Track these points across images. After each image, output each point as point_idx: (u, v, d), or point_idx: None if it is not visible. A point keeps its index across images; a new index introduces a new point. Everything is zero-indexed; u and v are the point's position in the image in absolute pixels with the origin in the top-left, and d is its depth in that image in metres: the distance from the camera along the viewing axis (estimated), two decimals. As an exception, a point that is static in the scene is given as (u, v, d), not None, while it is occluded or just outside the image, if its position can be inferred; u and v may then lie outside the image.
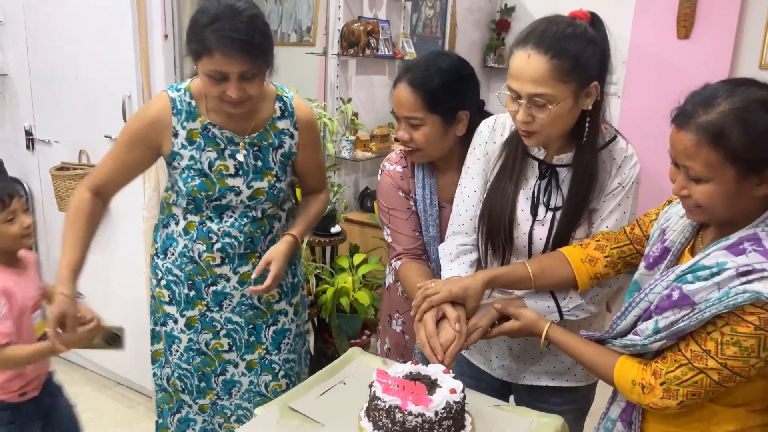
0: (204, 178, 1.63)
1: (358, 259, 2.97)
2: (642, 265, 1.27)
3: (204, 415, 1.84)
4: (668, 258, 1.20)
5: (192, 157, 1.63)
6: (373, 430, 1.14)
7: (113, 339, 1.67)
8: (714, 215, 1.08)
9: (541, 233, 1.40)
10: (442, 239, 1.60)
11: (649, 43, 4.26)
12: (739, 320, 1.01)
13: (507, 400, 1.54)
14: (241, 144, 1.65)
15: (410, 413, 1.10)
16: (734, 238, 1.07)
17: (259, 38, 1.47)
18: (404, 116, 1.55)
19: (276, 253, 1.65)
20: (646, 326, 1.14)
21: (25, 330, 1.70)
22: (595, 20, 1.29)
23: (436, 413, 1.10)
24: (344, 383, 1.32)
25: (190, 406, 1.83)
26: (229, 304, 1.75)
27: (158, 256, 1.76)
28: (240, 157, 1.65)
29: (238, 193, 1.66)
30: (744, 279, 1.01)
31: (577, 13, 1.29)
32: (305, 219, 1.79)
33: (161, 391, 1.86)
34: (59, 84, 2.75)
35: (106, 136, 2.61)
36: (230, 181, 1.65)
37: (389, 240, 1.68)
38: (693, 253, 1.17)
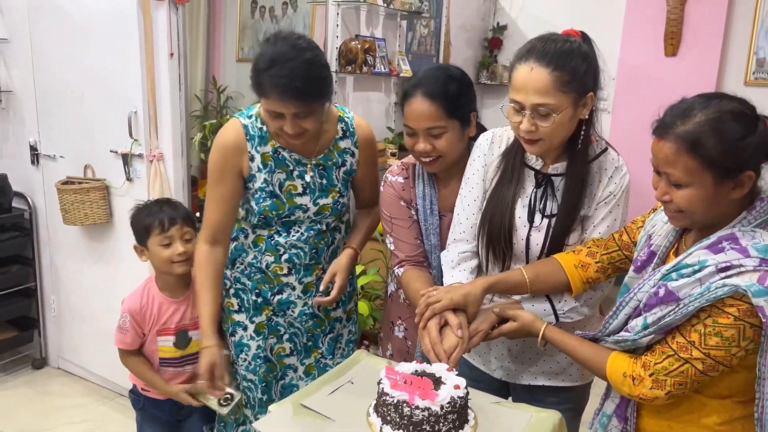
0: (275, 199, 1.71)
1: (357, 270, 3.03)
2: (631, 269, 1.35)
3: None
4: (654, 261, 1.28)
5: (265, 180, 1.71)
6: (382, 424, 1.20)
7: (225, 400, 1.73)
8: (695, 219, 1.17)
9: (537, 239, 1.48)
10: (443, 247, 1.67)
11: (637, 61, 4.39)
12: (720, 312, 1.10)
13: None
14: (309, 165, 1.74)
15: (417, 407, 1.16)
16: (714, 238, 1.16)
17: (313, 83, 1.54)
18: (425, 128, 1.60)
19: (340, 266, 1.75)
20: (636, 323, 1.22)
21: (148, 343, 1.86)
22: (585, 38, 1.41)
23: (442, 407, 1.16)
24: (352, 382, 1.38)
25: (251, 422, 1.90)
26: (292, 314, 1.84)
27: (227, 267, 1.84)
28: (307, 177, 1.74)
29: (306, 210, 1.75)
30: (723, 274, 1.10)
31: (570, 31, 1.40)
32: (362, 230, 1.89)
33: None
34: (65, 100, 2.82)
35: (111, 151, 2.68)
36: (298, 200, 1.74)
37: (392, 248, 1.75)
38: (677, 255, 1.25)
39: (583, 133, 1.42)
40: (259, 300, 1.82)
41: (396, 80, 3.87)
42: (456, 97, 1.60)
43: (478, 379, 1.61)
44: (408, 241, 1.71)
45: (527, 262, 1.49)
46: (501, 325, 1.42)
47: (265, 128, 1.69)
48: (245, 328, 1.83)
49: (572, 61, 1.32)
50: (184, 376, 1.86)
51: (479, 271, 1.58)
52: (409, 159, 1.79)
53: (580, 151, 1.43)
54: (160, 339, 1.81)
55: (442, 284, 1.58)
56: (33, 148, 2.99)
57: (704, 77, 4.11)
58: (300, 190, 1.74)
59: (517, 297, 1.49)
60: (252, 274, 1.80)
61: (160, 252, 1.79)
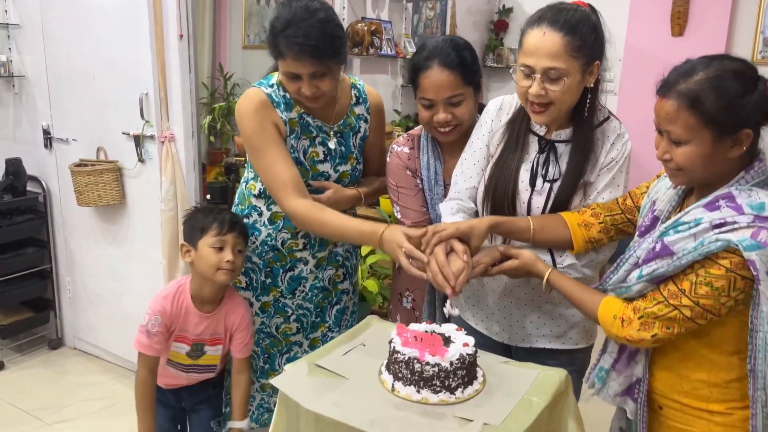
0: (299, 166, 1.73)
1: (365, 250, 3.07)
2: (636, 234, 1.39)
3: (263, 393, 1.96)
4: (658, 226, 1.31)
5: (292, 146, 1.72)
6: (394, 381, 1.24)
7: None
8: (693, 177, 1.21)
9: (538, 202, 1.52)
10: None
11: (644, 41, 4.38)
12: (713, 264, 1.14)
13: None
14: (331, 132, 1.77)
15: (428, 363, 1.20)
16: (711, 197, 1.20)
17: (328, 41, 1.57)
18: (445, 97, 1.64)
19: (337, 185, 1.77)
20: (633, 275, 1.27)
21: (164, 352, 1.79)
22: (592, 9, 1.44)
23: (451, 363, 1.21)
24: (364, 345, 1.43)
25: (252, 383, 1.94)
26: (302, 290, 1.87)
27: None
28: (331, 144, 1.77)
29: (327, 178, 1.78)
30: (717, 230, 1.14)
31: (578, 1, 1.44)
32: (371, 185, 1.90)
33: (227, 371, 1.95)
34: (76, 84, 2.86)
35: (123, 133, 2.72)
36: (320, 167, 1.77)
37: (398, 216, 1.79)
38: None
39: (588, 101, 1.45)
40: (268, 281, 1.85)
41: (402, 63, 3.90)
42: (471, 63, 1.65)
43: (480, 344, 1.64)
44: (414, 208, 1.75)
45: None
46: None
47: (288, 95, 1.71)
48: (251, 305, 1.87)
49: (583, 28, 1.36)
50: (185, 381, 1.84)
51: None
52: (415, 131, 1.83)
53: (586, 118, 1.47)
54: (175, 345, 1.76)
55: None
56: (46, 132, 3.04)
57: None
58: (322, 157, 1.76)
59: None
60: (264, 253, 1.83)
61: (209, 255, 1.68)
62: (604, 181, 1.49)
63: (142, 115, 2.63)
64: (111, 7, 2.63)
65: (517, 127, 1.54)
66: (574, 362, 1.61)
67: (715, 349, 1.23)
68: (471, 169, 1.61)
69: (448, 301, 1.39)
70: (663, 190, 1.35)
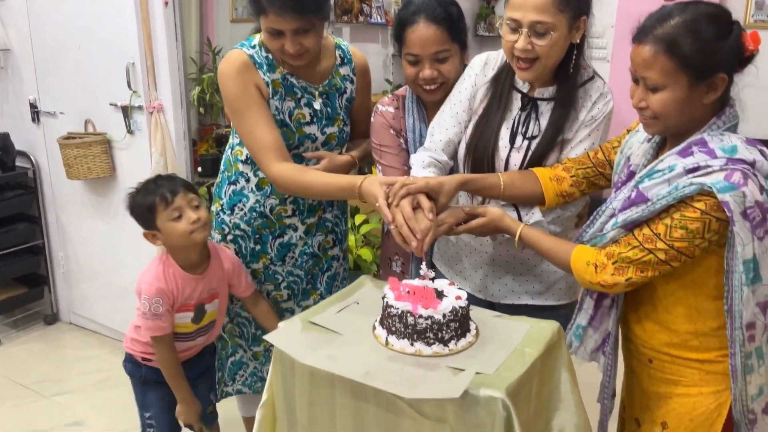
0: (285, 128, 1.71)
1: (359, 219, 3.07)
2: (612, 190, 1.39)
3: (256, 362, 1.96)
4: (634, 179, 1.32)
5: (276, 108, 1.69)
6: (388, 335, 1.25)
7: None
8: (668, 124, 1.21)
9: (516, 159, 1.53)
10: None
11: (636, 8, 4.23)
12: (687, 207, 1.15)
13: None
14: (316, 93, 1.75)
15: (420, 316, 1.21)
16: (684, 144, 1.21)
17: None
18: (431, 53, 1.62)
19: (330, 154, 1.76)
20: (608, 225, 1.28)
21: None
22: None
23: (444, 315, 1.21)
24: (358, 303, 1.43)
25: (245, 351, 1.95)
26: (292, 257, 1.86)
27: (224, 212, 1.84)
28: (316, 105, 1.74)
29: (314, 140, 1.76)
30: (691, 175, 1.15)
31: None
32: (361, 147, 1.88)
33: (218, 339, 1.96)
34: (62, 56, 2.82)
35: (111, 104, 2.68)
36: (307, 129, 1.74)
37: (380, 176, 1.77)
38: None
39: (574, 58, 1.44)
40: (258, 248, 1.83)
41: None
42: (458, 19, 1.63)
43: None
44: (396, 167, 1.74)
45: None
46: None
47: (270, 56, 1.69)
48: None
49: None
50: (194, 348, 1.82)
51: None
52: (400, 91, 1.82)
53: (571, 76, 1.46)
54: (179, 315, 1.72)
55: None
56: (33, 106, 3.00)
57: None
58: (308, 119, 1.74)
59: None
60: (252, 220, 1.81)
61: (173, 228, 1.63)
62: (579, 138, 1.50)
63: (129, 86, 2.59)
64: (94, -25, 2.58)
65: (501, 84, 1.53)
66: (557, 319, 1.61)
67: (700, 293, 1.24)
68: (449, 121, 1.60)
69: (423, 264, 1.37)
70: (636, 145, 1.36)
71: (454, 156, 1.62)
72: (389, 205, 1.39)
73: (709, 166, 1.14)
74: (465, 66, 1.68)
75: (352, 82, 1.83)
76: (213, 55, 4.13)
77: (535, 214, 1.52)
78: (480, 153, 1.53)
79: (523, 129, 1.51)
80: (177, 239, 1.65)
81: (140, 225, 1.70)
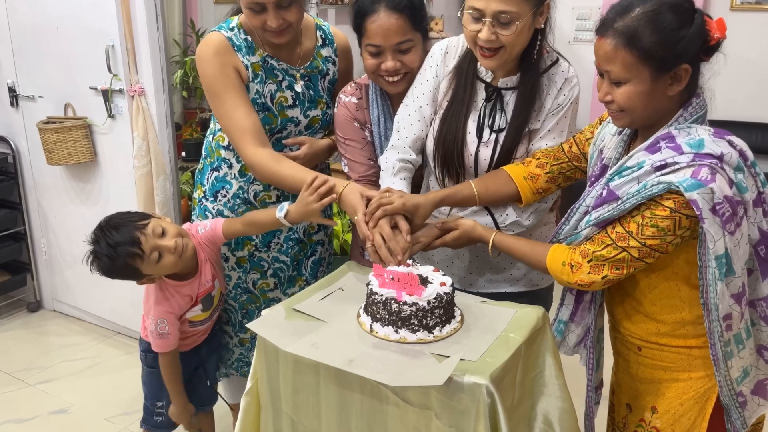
0: (267, 112, 1.68)
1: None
2: (588, 184, 1.38)
3: (242, 348, 1.94)
4: (607, 174, 1.31)
5: (257, 92, 1.66)
6: (372, 322, 1.24)
7: None
8: (634, 116, 1.20)
9: (485, 154, 1.50)
10: None
11: (623, -11, 4.32)
12: (657, 205, 1.15)
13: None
14: (297, 75, 1.71)
15: (405, 303, 1.20)
16: (652, 139, 1.20)
17: None
18: (394, 44, 1.56)
19: (311, 139, 1.75)
20: (582, 222, 1.28)
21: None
22: None
23: (429, 302, 1.20)
24: (342, 289, 1.42)
25: (231, 338, 1.93)
26: (277, 242, 1.83)
27: (207, 199, 1.81)
28: (298, 87, 1.71)
29: (297, 124, 1.73)
30: (659, 172, 1.14)
31: None
32: None
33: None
34: (40, 39, 2.75)
35: (91, 88, 2.63)
36: (289, 112, 1.71)
37: (346, 170, 1.74)
38: None
39: (538, 44, 1.41)
40: None
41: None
42: (419, 6, 1.58)
43: None
44: (361, 161, 1.71)
45: (476, 177, 1.52)
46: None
47: (250, 38, 1.66)
48: (226, 260, 1.83)
49: None
50: (209, 327, 1.80)
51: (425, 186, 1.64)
52: (362, 79, 1.75)
53: (534, 63, 1.43)
54: (190, 312, 1.69)
55: None
56: (11, 90, 2.93)
57: None
58: (290, 102, 1.71)
59: (462, 213, 1.54)
60: (236, 206, 1.78)
61: (162, 266, 1.55)
62: (547, 127, 1.48)
63: (109, 69, 2.54)
64: (71, -46, 2.52)
65: (464, 74, 1.50)
66: (538, 302, 1.62)
67: (683, 282, 1.24)
68: (413, 116, 1.56)
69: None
70: (608, 137, 1.35)
71: (422, 151, 1.60)
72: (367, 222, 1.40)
73: (676, 163, 1.13)
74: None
75: (334, 63, 1.80)
76: (196, 37, 4.06)
77: (510, 215, 1.51)
78: (449, 149, 1.51)
79: (490, 121, 1.49)
80: (171, 270, 1.59)
81: (124, 277, 1.60)
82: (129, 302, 2.89)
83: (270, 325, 1.27)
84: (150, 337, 1.67)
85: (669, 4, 1.12)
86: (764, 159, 3.75)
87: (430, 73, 1.55)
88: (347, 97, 1.73)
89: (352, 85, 1.75)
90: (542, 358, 1.30)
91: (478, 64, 1.46)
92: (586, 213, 1.29)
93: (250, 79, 1.65)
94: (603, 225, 1.24)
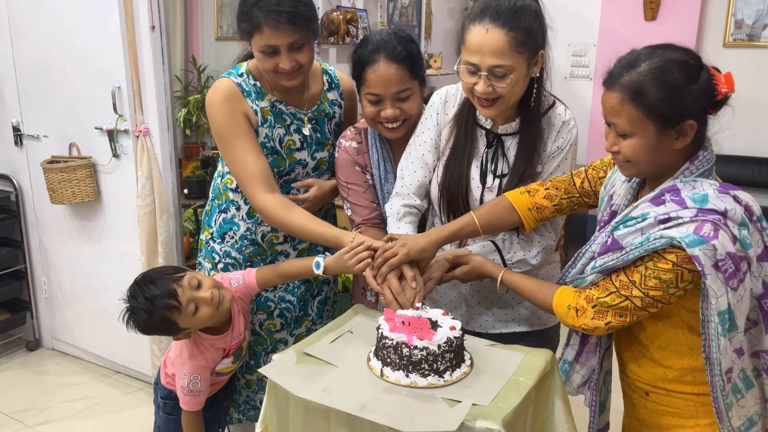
0: (275, 155, 1.71)
1: (347, 240, 3.06)
2: (597, 228, 1.39)
3: (249, 390, 1.93)
4: (615, 219, 1.33)
5: (266, 136, 1.69)
6: (383, 366, 1.24)
7: None
8: (640, 168, 1.22)
9: (490, 197, 1.53)
10: None
11: (617, 26, 4.42)
12: (660, 258, 1.16)
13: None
14: (305, 119, 1.75)
15: (416, 347, 1.20)
16: (657, 191, 1.21)
17: (303, 9, 1.56)
18: (394, 92, 1.59)
19: (319, 181, 1.78)
20: (588, 268, 1.30)
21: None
22: None
23: (439, 347, 1.21)
24: (351, 332, 1.42)
25: (237, 379, 1.92)
26: (284, 283, 1.83)
27: (214, 240, 1.83)
28: (306, 131, 1.74)
29: (305, 166, 1.76)
30: (662, 226, 1.16)
31: None
32: None
33: None
34: (46, 79, 2.79)
35: (96, 128, 2.66)
36: (297, 155, 1.74)
37: (349, 213, 1.76)
38: None
39: (535, 91, 1.44)
40: None
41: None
42: (417, 56, 1.62)
43: None
44: (364, 204, 1.72)
45: None
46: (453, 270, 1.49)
47: (258, 84, 1.69)
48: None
49: (526, 20, 1.34)
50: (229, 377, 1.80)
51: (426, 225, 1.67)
52: (361, 123, 1.78)
53: (532, 109, 1.47)
54: (220, 364, 1.68)
55: None
56: (16, 129, 2.96)
57: (684, 40, 3.98)
58: (298, 144, 1.74)
59: (471, 248, 1.56)
60: (243, 248, 1.80)
61: (198, 319, 1.54)
62: (549, 170, 1.51)
63: (115, 109, 2.58)
64: (80, -2, 2.57)
65: (464, 122, 1.53)
66: (544, 342, 1.62)
67: (689, 330, 1.24)
68: (416, 163, 1.59)
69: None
70: (619, 183, 1.36)
71: (427, 195, 1.62)
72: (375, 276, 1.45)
73: (679, 218, 1.14)
74: (426, 99, 1.67)
75: (340, 106, 1.84)
76: (198, 73, 4.13)
77: (517, 253, 1.53)
78: (453, 195, 1.54)
79: (492, 167, 1.52)
80: (208, 323, 1.58)
81: (160, 332, 1.61)
82: (127, 340, 2.86)
83: (281, 369, 1.27)
84: (180, 392, 1.63)
85: (675, 62, 1.14)
86: (759, 192, 3.81)
87: (431, 121, 1.59)
88: (347, 141, 1.75)
89: (352, 129, 1.78)
90: (551, 402, 1.30)
91: (477, 112, 1.50)
92: (592, 258, 1.30)
93: (260, 124, 1.68)
94: (607, 272, 1.25)
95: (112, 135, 2.62)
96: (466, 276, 1.48)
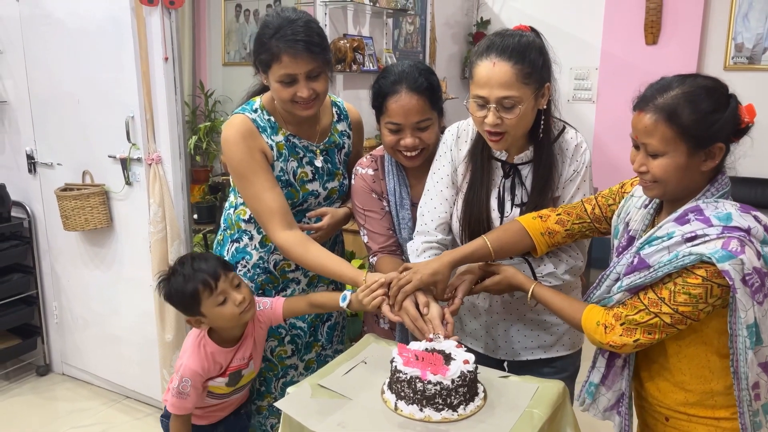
0: (290, 188, 1.75)
1: (355, 264, 3.08)
2: (614, 255, 1.43)
3: (259, 416, 1.95)
4: (634, 245, 1.36)
5: (281, 169, 1.74)
6: (397, 400, 1.26)
7: None
8: (667, 188, 1.26)
9: None
10: None
11: (619, 51, 4.48)
12: (689, 274, 1.19)
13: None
14: (317, 151, 1.80)
15: (429, 382, 1.22)
16: (680, 211, 1.25)
17: (318, 39, 1.62)
18: (414, 122, 1.64)
19: (331, 209, 1.82)
20: (614, 288, 1.33)
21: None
22: (536, 33, 1.48)
23: (453, 381, 1.23)
24: (365, 362, 1.45)
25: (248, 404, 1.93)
26: (310, 313, 1.85)
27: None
28: (318, 162, 1.79)
29: (317, 196, 1.81)
30: (690, 243, 1.19)
31: (521, 27, 1.48)
32: None
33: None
34: (60, 108, 2.85)
35: (110, 156, 2.71)
36: (309, 186, 1.79)
37: (365, 240, 1.79)
38: None
39: (543, 122, 1.49)
40: None
41: (385, 77, 3.93)
42: (437, 88, 1.67)
43: (479, 363, 1.68)
44: (381, 232, 1.75)
45: None
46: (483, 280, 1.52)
47: (273, 118, 1.73)
48: None
49: (531, 54, 1.40)
50: (230, 407, 1.80)
51: None
52: (378, 151, 1.82)
53: (543, 138, 1.51)
54: (213, 381, 1.68)
55: None
56: (30, 157, 3.02)
57: (685, 64, 4.21)
58: (310, 176, 1.79)
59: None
60: (256, 276, 1.83)
61: (220, 313, 1.58)
62: (569, 193, 1.54)
63: (128, 138, 2.62)
64: (94, 29, 2.63)
65: (478, 156, 1.57)
66: (566, 367, 1.65)
67: (711, 351, 1.26)
68: (436, 199, 1.63)
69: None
70: (634, 210, 1.40)
71: (449, 230, 1.65)
72: (392, 306, 1.48)
73: (706, 235, 1.18)
74: (442, 129, 1.71)
75: (348, 137, 1.89)
76: (205, 98, 4.20)
77: (547, 266, 1.55)
78: (474, 228, 1.57)
79: (511, 196, 1.56)
80: (225, 321, 1.61)
81: (181, 311, 1.65)
82: (137, 364, 2.91)
83: (297, 403, 1.29)
84: (169, 393, 1.64)
85: (706, 88, 1.20)
86: (762, 213, 3.83)
87: (445, 158, 1.63)
88: (364, 168, 1.79)
89: (368, 157, 1.82)
90: (564, 433, 1.32)
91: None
92: (617, 280, 1.33)
93: (275, 158, 1.72)
94: (635, 291, 1.27)
95: (125, 163, 2.67)
96: (497, 286, 1.49)
